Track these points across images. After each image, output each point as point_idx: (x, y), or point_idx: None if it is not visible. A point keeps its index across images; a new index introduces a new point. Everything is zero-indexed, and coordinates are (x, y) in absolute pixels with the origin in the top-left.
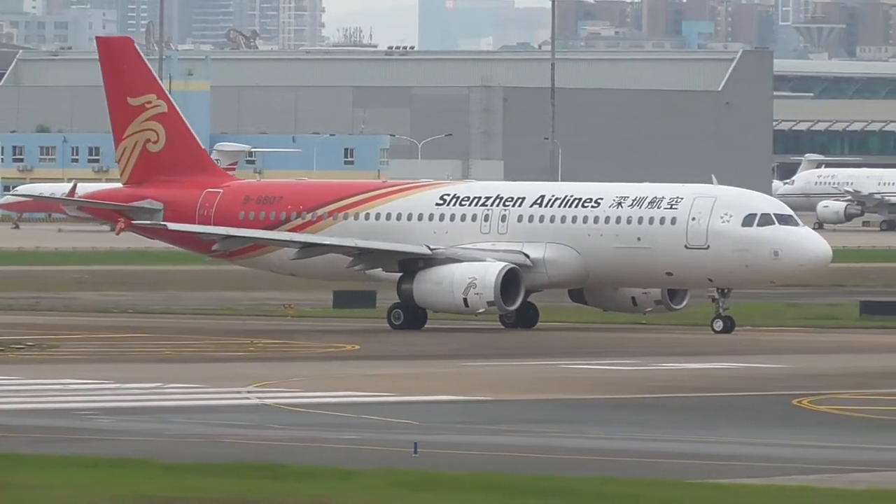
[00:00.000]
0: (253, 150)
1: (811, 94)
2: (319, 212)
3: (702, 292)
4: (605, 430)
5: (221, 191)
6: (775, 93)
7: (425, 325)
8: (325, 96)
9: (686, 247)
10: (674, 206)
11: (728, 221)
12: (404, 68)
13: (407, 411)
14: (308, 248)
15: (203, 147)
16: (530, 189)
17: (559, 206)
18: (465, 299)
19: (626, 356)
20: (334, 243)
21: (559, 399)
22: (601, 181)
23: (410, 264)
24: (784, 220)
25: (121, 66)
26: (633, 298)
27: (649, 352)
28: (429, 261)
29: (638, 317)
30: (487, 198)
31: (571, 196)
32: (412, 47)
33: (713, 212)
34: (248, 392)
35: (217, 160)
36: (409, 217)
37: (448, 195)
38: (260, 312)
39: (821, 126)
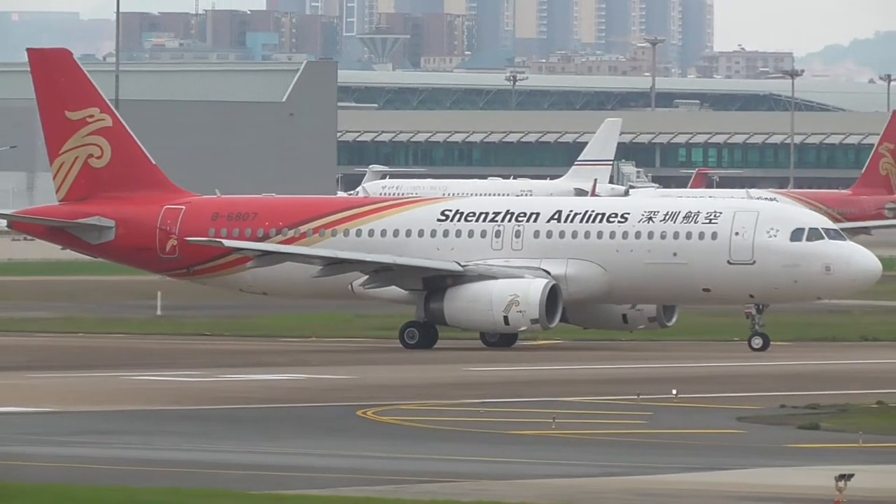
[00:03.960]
0: None
1: (376, 105)
2: (303, 228)
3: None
4: (172, 441)
5: (183, 207)
6: (340, 103)
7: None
8: None
9: (729, 262)
10: (713, 221)
11: (775, 236)
12: None
13: None
14: (333, 266)
15: (154, 163)
16: (544, 204)
17: (581, 222)
18: (505, 317)
19: (193, 367)
20: (366, 259)
21: (126, 410)
22: None
23: (437, 281)
24: (832, 234)
25: (57, 78)
26: (623, 315)
27: (215, 363)
28: (458, 278)
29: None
30: (496, 213)
31: (593, 211)
32: None
33: (758, 226)
34: None
35: None
36: (409, 233)
37: (449, 210)
38: None
39: (385, 137)
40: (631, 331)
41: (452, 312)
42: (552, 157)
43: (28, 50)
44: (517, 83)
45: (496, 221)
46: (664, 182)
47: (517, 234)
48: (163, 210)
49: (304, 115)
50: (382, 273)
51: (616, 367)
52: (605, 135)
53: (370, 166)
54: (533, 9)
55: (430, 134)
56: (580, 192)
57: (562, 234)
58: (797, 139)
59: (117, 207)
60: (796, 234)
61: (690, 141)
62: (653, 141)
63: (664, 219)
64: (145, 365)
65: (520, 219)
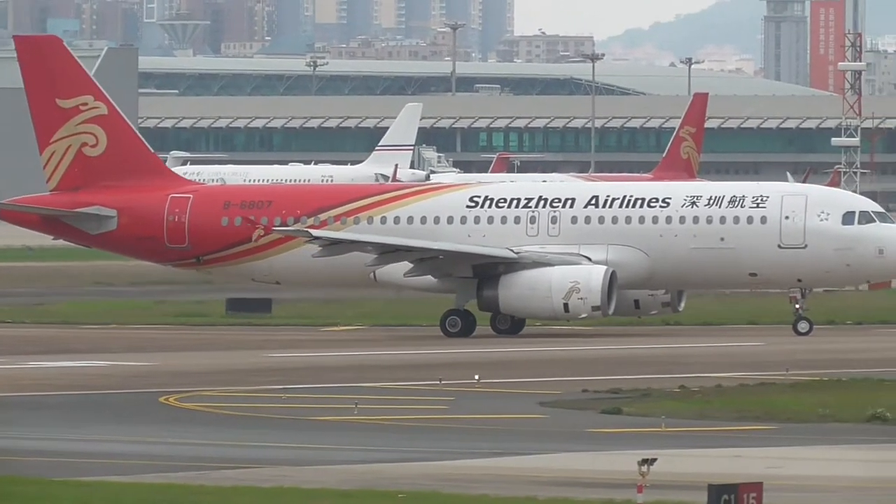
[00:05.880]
0: None
1: (176, 91)
2: (322, 216)
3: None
4: None
5: (191, 196)
6: (140, 90)
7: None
8: None
9: (780, 246)
10: (760, 206)
11: (826, 219)
12: None
13: None
14: (386, 254)
15: (152, 150)
16: (579, 189)
17: (621, 207)
18: (566, 304)
19: None
20: (432, 247)
21: None
22: None
23: (488, 269)
24: (883, 217)
25: (48, 66)
26: (636, 301)
27: (17, 350)
28: (510, 265)
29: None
30: (528, 199)
31: (632, 196)
32: None
33: (808, 209)
34: None
35: None
36: (437, 220)
37: (478, 197)
38: None
39: (186, 123)
40: (639, 317)
41: (508, 300)
42: (353, 143)
43: (15, 37)
44: (317, 68)
45: (530, 207)
46: (465, 167)
47: (553, 220)
48: (168, 199)
49: None
50: (428, 262)
51: (419, 352)
52: (406, 120)
53: (171, 152)
54: None
55: (230, 120)
56: (381, 178)
57: (601, 220)
58: (598, 123)
59: (117, 196)
60: (847, 218)
61: (491, 125)
62: (453, 126)
63: (708, 203)
64: None
65: (555, 204)
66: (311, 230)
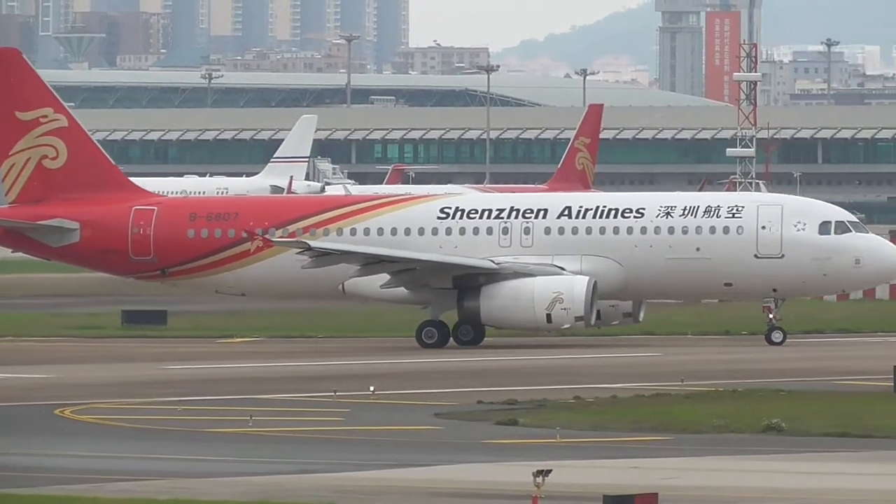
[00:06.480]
0: None
1: (72, 104)
2: (291, 228)
3: None
4: None
5: (155, 208)
6: None
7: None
8: None
9: (756, 256)
10: (736, 216)
11: (803, 229)
12: None
13: None
14: (372, 265)
15: (113, 163)
16: (552, 200)
17: (595, 218)
18: (548, 315)
19: None
20: (413, 257)
21: None
22: None
23: (468, 280)
24: (857, 227)
25: (7, 78)
26: (597, 311)
27: None
28: (491, 276)
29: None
30: (500, 210)
31: (606, 206)
32: None
33: (784, 220)
34: None
35: None
36: (408, 231)
37: (449, 208)
38: None
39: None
40: (599, 327)
41: (490, 311)
42: (248, 155)
43: None
44: (213, 81)
45: (502, 218)
46: (360, 178)
47: (526, 231)
48: (132, 211)
49: None
50: (406, 273)
51: (315, 364)
52: (301, 132)
53: None
54: (228, 6)
55: (126, 132)
56: (276, 190)
57: (575, 231)
58: (493, 134)
59: (80, 209)
60: (824, 227)
61: (386, 137)
62: (349, 137)
63: (683, 213)
64: None
65: (527, 215)
66: (308, 241)
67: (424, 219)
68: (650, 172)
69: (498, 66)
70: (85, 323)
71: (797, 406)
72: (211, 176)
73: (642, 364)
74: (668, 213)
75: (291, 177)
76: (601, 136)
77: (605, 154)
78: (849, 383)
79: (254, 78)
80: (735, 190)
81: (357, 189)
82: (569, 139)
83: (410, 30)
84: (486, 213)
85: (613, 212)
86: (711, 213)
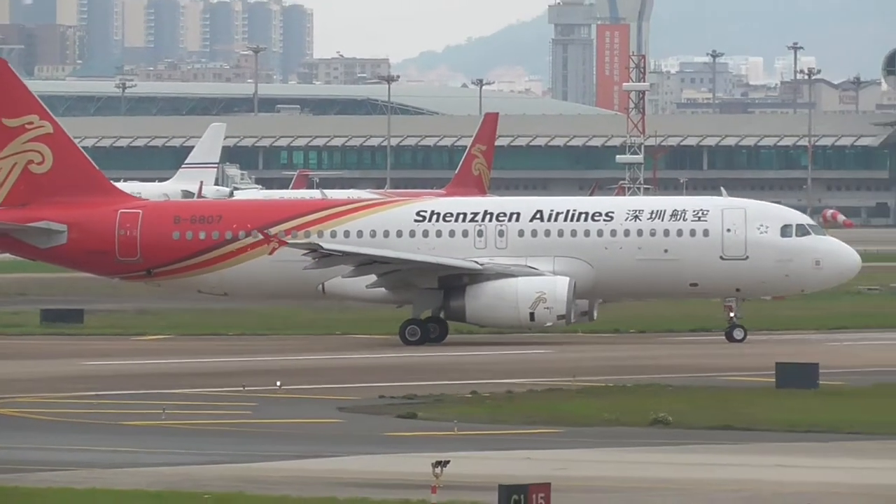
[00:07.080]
0: None
1: None
2: (273, 230)
3: None
4: None
5: (140, 211)
6: None
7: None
8: None
9: (722, 257)
10: (702, 219)
11: (766, 232)
12: None
13: None
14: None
15: (98, 168)
16: (523, 204)
17: (566, 221)
18: (532, 314)
19: None
20: (407, 258)
21: None
22: None
23: (452, 280)
24: (816, 230)
25: None
26: None
27: None
28: (475, 276)
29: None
30: (474, 213)
31: (576, 210)
32: None
33: (748, 223)
34: None
35: None
36: (387, 234)
37: (425, 211)
38: None
39: None
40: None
41: (475, 310)
42: (161, 161)
43: None
44: (126, 90)
45: (476, 221)
46: (267, 183)
47: (500, 234)
48: (118, 214)
49: None
50: (392, 273)
51: (224, 360)
52: (211, 139)
53: None
54: (141, 18)
55: None
56: (187, 194)
57: (547, 233)
58: (394, 141)
59: (66, 212)
60: (786, 230)
61: (292, 144)
62: (256, 144)
63: (651, 217)
64: None
65: (500, 219)
66: (321, 242)
67: (402, 221)
68: (543, 178)
69: (398, 77)
70: (4, 321)
71: (683, 401)
72: (124, 181)
73: (536, 360)
74: (636, 217)
75: (201, 182)
76: (497, 143)
77: (500, 160)
78: (733, 379)
79: (166, 87)
80: (624, 195)
81: (263, 194)
82: (466, 146)
83: (315, 42)
84: (461, 216)
85: (584, 215)
86: (678, 216)
